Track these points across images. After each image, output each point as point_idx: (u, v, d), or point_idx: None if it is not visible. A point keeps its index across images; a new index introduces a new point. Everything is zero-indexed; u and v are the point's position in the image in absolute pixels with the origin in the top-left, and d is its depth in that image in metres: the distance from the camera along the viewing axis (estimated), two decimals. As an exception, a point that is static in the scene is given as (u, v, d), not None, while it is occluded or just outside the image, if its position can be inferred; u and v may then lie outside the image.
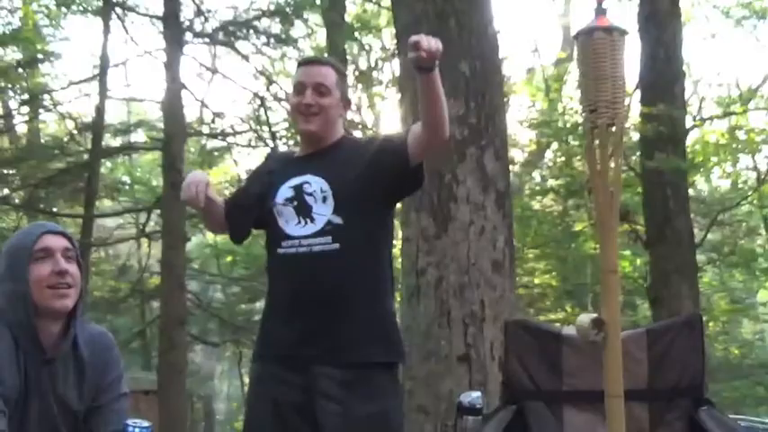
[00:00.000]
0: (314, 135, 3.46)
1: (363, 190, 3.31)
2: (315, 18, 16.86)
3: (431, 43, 3.09)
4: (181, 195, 3.31)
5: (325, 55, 16.95)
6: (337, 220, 3.28)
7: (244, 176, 15.59)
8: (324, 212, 3.29)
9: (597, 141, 2.87)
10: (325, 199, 3.31)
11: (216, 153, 16.66)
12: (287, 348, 3.31)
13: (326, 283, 3.25)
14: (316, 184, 3.34)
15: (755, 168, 16.03)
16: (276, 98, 14.53)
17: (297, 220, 3.32)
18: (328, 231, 3.26)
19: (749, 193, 14.40)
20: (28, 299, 2.73)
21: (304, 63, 3.60)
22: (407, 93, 6.31)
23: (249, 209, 3.52)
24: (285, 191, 3.38)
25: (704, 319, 3.77)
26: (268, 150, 14.10)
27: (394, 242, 3.62)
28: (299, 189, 3.36)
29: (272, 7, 15.22)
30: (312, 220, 3.30)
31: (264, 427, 3.33)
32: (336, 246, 3.25)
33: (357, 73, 16.89)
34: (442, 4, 6.18)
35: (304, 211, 3.32)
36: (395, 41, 8.39)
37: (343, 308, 3.26)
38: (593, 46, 2.83)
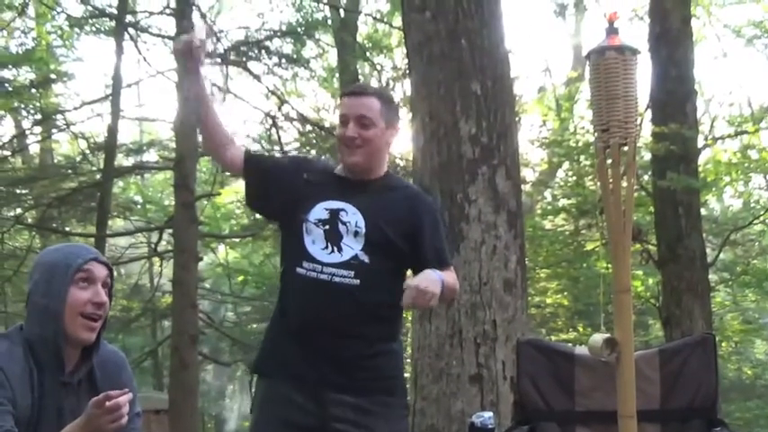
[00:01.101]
0: (357, 166, 3.46)
1: (394, 243, 3.34)
2: (326, 38, 16.93)
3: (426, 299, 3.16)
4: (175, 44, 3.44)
5: (336, 75, 17.03)
6: (364, 257, 3.29)
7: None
8: (353, 246, 3.30)
9: (609, 161, 2.87)
10: (356, 234, 3.31)
11: (228, 173, 16.68)
12: (298, 372, 3.32)
13: (342, 315, 3.26)
14: (352, 217, 3.34)
15: (768, 188, 15.98)
16: (288, 118, 14.53)
17: (324, 245, 3.31)
18: (353, 266, 3.27)
19: (762, 213, 14.33)
20: (60, 320, 2.72)
21: (347, 93, 3.58)
22: (418, 113, 6.32)
23: (275, 191, 3.49)
24: (320, 211, 3.36)
25: (717, 338, 3.74)
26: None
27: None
28: (334, 215, 3.35)
29: (284, 27, 15.28)
30: (339, 249, 3.30)
31: None
32: (357, 282, 3.26)
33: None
34: (454, 23, 6.19)
35: (333, 238, 3.32)
36: (406, 61, 8.40)
37: (355, 342, 3.29)
38: (605, 65, 2.83)
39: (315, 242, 3.32)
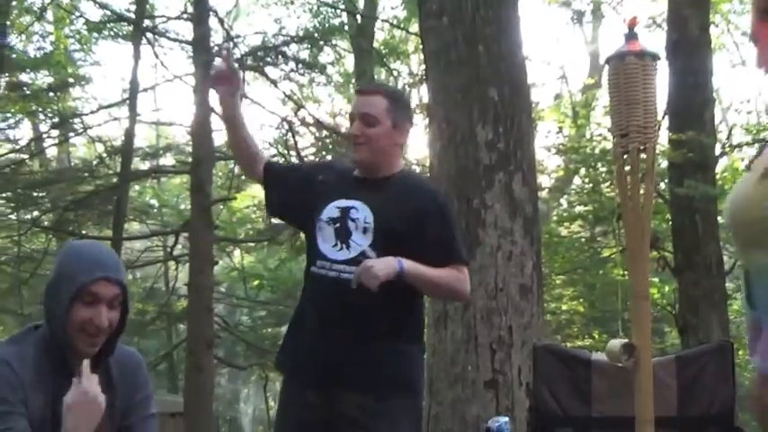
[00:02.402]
0: (362, 163, 3.49)
1: (402, 237, 3.31)
2: (343, 44, 16.96)
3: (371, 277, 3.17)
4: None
5: (353, 81, 17.06)
6: (371, 254, 3.28)
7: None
8: (361, 243, 3.31)
9: (628, 167, 2.86)
10: (365, 230, 3.32)
11: (243, 177, 16.74)
12: (309, 368, 3.37)
13: (349, 311, 3.27)
14: (361, 213, 3.35)
15: (785, 196, 15.85)
16: (304, 123, 14.57)
17: (334, 242, 3.34)
18: (360, 262, 3.25)
19: (779, 221, 14.25)
20: (64, 329, 2.72)
21: (357, 92, 3.68)
22: (435, 119, 6.32)
23: (293, 197, 3.56)
24: (331, 210, 3.39)
25: (734, 346, 3.72)
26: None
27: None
28: (344, 212, 3.37)
29: (301, 33, 15.33)
30: (348, 246, 3.31)
31: None
32: None
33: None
34: (471, 30, 6.18)
35: (343, 235, 3.34)
36: (423, 67, 8.40)
37: (363, 339, 3.28)
38: (625, 71, 2.83)
39: (326, 240, 3.36)
